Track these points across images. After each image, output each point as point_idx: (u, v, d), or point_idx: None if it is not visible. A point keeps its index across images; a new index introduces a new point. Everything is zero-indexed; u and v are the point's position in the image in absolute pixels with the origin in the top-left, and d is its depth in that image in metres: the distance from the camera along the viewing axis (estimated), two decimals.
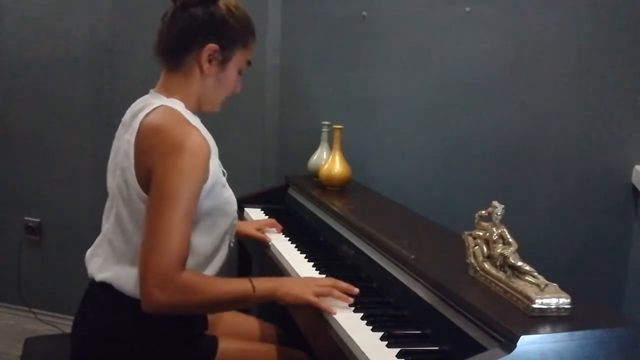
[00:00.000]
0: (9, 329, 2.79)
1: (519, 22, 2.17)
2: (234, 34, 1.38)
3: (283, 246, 1.77)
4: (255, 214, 2.17)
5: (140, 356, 1.37)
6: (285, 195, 2.29)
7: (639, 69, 2.10)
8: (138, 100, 1.40)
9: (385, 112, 2.36)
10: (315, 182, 2.18)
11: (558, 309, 1.08)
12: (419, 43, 2.29)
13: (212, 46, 1.35)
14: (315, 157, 2.23)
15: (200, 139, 1.27)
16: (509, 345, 0.99)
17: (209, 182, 1.31)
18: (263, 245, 1.83)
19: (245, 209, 2.21)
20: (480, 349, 1.05)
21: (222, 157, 1.41)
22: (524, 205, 2.20)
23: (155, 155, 1.25)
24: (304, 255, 1.70)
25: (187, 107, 1.37)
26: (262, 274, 1.93)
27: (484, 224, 1.28)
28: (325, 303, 1.31)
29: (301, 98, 2.46)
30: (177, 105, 1.35)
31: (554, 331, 1.02)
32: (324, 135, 2.22)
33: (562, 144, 2.18)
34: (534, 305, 1.07)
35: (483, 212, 1.28)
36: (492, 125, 2.24)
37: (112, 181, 1.38)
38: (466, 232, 1.31)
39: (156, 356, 1.38)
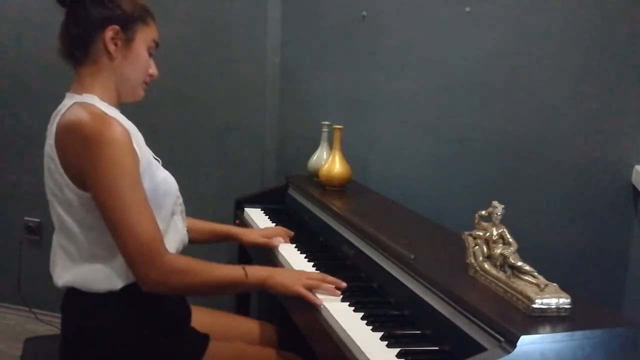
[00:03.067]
0: (9, 329, 2.79)
1: (519, 22, 2.17)
2: (129, 13, 1.39)
3: (283, 246, 1.77)
4: (255, 214, 2.16)
5: (126, 352, 1.37)
6: (285, 195, 2.29)
7: (639, 69, 2.10)
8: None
9: (386, 112, 2.36)
10: (315, 182, 2.18)
11: (558, 309, 1.08)
12: (419, 43, 2.29)
13: (112, 27, 1.36)
14: (315, 157, 2.23)
15: (117, 128, 1.27)
16: (509, 345, 0.99)
17: (141, 164, 1.32)
18: (269, 250, 1.79)
19: (245, 209, 2.21)
20: (480, 349, 1.05)
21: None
22: (524, 205, 2.19)
23: (78, 153, 1.27)
24: (304, 255, 1.70)
25: (104, 99, 1.37)
26: None
27: (484, 224, 1.28)
28: (312, 295, 1.36)
29: (301, 98, 2.46)
30: (91, 99, 1.35)
31: (554, 331, 1.02)
32: (324, 135, 2.22)
33: (562, 144, 2.17)
34: (534, 305, 1.07)
35: (483, 212, 1.28)
36: (491, 126, 2.24)
37: (47, 188, 1.40)
38: (466, 232, 1.31)
39: (143, 350, 1.38)
